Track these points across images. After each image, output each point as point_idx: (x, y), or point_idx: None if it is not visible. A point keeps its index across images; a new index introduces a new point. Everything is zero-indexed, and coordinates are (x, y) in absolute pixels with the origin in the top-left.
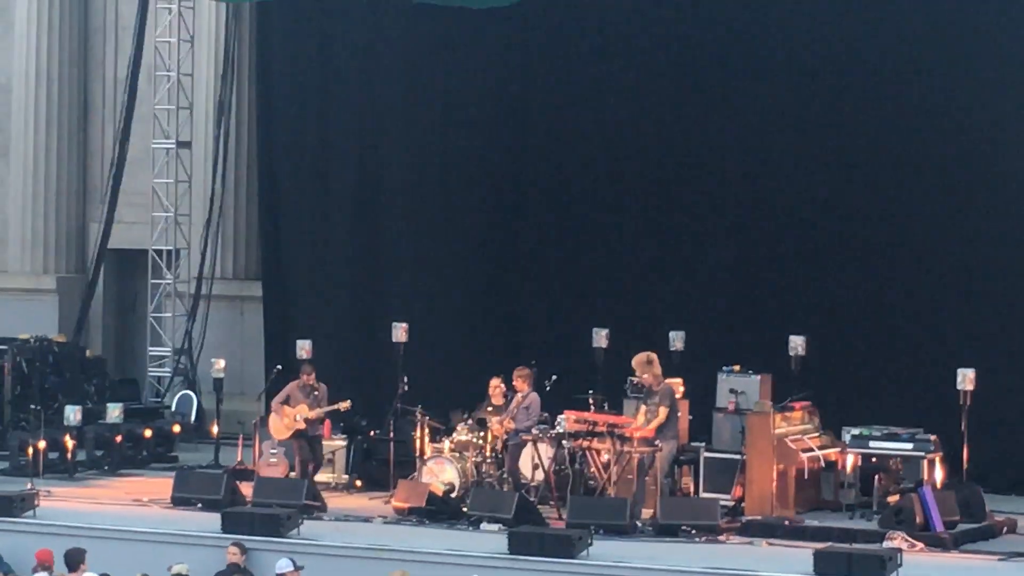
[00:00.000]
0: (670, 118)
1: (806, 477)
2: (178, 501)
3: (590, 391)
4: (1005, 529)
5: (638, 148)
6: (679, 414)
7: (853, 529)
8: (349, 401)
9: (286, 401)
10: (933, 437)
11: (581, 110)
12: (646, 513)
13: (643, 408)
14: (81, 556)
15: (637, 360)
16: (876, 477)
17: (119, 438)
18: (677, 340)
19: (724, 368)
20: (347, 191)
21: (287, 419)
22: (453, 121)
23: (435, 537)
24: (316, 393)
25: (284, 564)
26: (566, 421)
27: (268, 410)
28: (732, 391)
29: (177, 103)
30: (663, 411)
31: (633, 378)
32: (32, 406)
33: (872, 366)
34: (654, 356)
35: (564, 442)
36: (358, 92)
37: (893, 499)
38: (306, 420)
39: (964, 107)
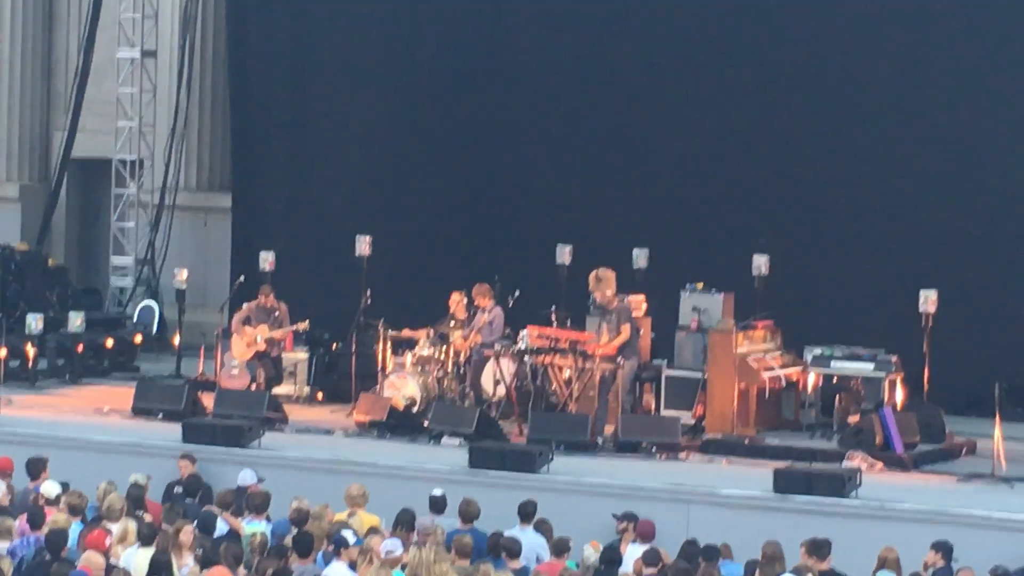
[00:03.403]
0: (638, 40)
1: (767, 396)
2: (139, 411)
3: (553, 307)
4: (965, 450)
5: (605, 67)
6: (640, 331)
7: (813, 448)
8: (307, 322)
9: (247, 321)
10: (894, 358)
11: (549, 30)
12: (607, 430)
13: (604, 327)
14: (43, 464)
15: (590, 277)
16: (837, 397)
17: (81, 347)
18: (641, 257)
19: (687, 286)
20: (315, 103)
21: (248, 339)
22: (423, 35)
23: (396, 451)
24: (276, 314)
25: (248, 476)
26: (528, 337)
27: (231, 321)
28: (695, 309)
29: (143, 12)
30: (626, 329)
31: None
32: None
33: (835, 286)
34: (605, 273)
35: (526, 358)
36: (329, 4)
37: (853, 419)
38: (267, 341)
39: (929, 26)
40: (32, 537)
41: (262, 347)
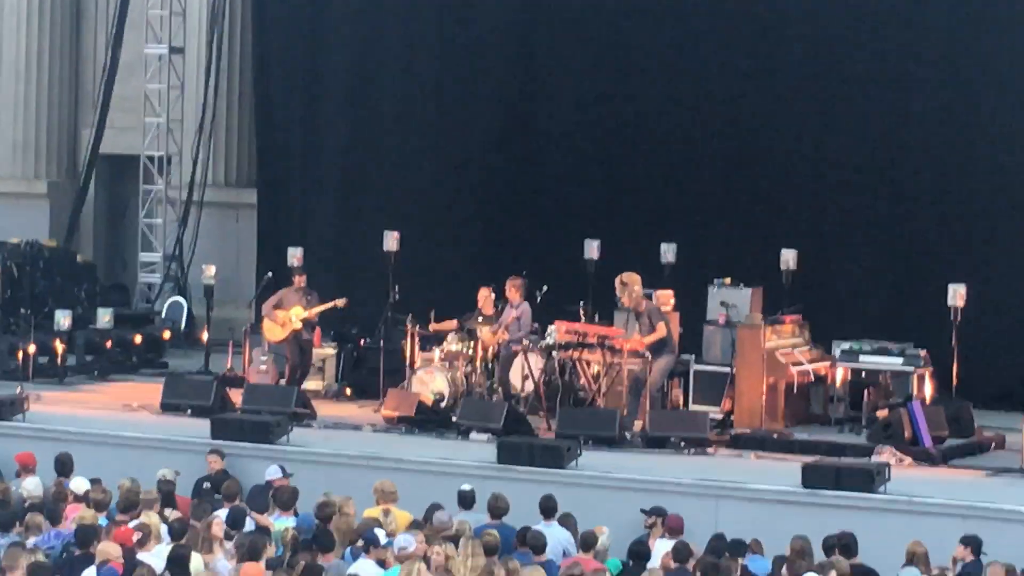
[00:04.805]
0: (664, 35)
1: (795, 391)
2: (167, 407)
3: (581, 302)
4: (993, 445)
5: (632, 63)
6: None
7: (842, 443)
8: (345, 299)
9: (279, 305)
10: (923, 352)
11: (577, 27)
12: (636, 425)
13: (637, 328)
14: (71, 461)
15: (616, 282)
16: (866, 391)
17: (109, 343)
18: (668, 252)
19: (715, 281)
20: (341, 98)
21: (282, 318)
22: (450, 31)
23: (424, 446)
24: (309, 297)
25: (273, 471)
26: (556, 332)
27: (259, 317)
28: (723, 304)
29: (170, 8)
30: (661, 327)
31: None
32: (22, 310)
33: (863, 281)
34: (630, 277)
35: (554, 353)
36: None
37: (882, 414)
38: (303, 320)
39: (954, 24)
40: (54, 532)
41: (298, 327)
